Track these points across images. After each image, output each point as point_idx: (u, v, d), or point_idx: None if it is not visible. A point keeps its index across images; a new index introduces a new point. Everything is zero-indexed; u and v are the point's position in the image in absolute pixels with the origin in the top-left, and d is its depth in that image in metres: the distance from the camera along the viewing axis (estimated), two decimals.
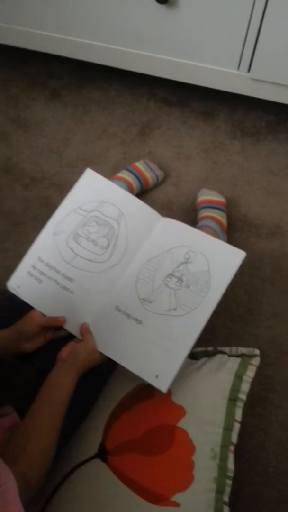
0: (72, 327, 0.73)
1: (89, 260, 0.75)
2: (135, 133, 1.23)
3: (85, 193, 0.78)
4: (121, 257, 0.75)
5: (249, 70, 1.09)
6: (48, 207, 1.12)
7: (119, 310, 0.73)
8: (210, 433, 0.69)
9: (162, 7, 1.05)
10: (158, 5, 1.05)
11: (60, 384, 0.65)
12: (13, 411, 0.69)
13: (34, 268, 0.76)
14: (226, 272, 0.72)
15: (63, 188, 1.14)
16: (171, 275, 0.73)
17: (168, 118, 1.26)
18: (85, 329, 0.71)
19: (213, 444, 0.69)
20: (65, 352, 0.68)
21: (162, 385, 0.69)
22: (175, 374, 0.69)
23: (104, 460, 0.69)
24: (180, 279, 0.73)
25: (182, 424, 0.69)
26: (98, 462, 0.69)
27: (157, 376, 0.69)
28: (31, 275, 0.75)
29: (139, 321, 0.72)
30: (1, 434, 0.64)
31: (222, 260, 0.73)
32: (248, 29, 1.02)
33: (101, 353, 0.71)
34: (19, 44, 1.23)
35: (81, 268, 0.75)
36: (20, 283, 0.76)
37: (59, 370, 0.67)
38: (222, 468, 0.69)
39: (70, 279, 0.74)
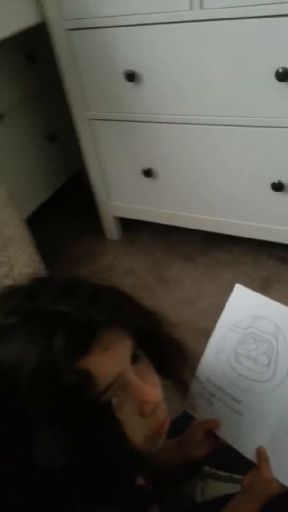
0: (246, 451, 0.69)
1: (253, 380, 0.72)
2: (257, 286, 1.44)
3: (238, 310, 0.78)
4: (285, 375, 0.70)
5: None
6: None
7: None
8: None
9: (277, 194, 1.36)
10: (274, 191, 1.35)
11: None
12: None
13: (204, 389, 0.75)
14: None
15: (198, 332, 1.34)
16: None
17: (286, 274, 1.46)
18: (261, 455, 0.66)
19: None
20: (246, 480, 0.66)
21: None
22: None
23: None
24: None
25: None
26: None
27: None
28: (202, 396, 0.75)
29: None
30: None
31: None
32: None
33: (279, 482, 0.65)
34: (165, 222, 1.62)
35: (246, 389, 0.72)
36: (195, 405, 0.76)
37: (240, 499, 0.65)
38: None
39: (238, 401, 0.72)
